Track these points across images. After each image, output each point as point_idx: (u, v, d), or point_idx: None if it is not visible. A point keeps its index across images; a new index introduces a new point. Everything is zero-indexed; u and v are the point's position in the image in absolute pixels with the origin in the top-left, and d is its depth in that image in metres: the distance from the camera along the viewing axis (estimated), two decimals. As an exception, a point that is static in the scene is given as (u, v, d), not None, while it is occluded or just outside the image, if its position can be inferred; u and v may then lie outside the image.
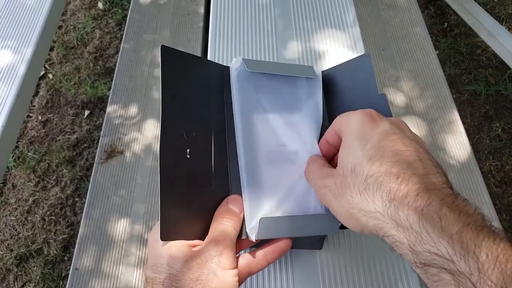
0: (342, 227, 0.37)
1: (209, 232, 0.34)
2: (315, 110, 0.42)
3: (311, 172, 0.35)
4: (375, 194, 0.26)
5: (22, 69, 0.76)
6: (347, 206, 0.28)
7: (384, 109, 0.34)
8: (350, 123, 0.31)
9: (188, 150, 0.34)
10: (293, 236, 0.36)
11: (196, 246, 0.33)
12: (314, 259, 0.50)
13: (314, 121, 0.41)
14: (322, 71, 0.45)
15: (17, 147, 1.58)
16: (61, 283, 1.31)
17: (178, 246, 0.32)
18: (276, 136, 0.39)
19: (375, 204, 0.26)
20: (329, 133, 0.35)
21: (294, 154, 0.39)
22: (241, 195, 0.37)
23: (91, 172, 1.25)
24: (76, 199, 1.45)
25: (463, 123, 1.28)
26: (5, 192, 1.50)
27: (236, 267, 0.33)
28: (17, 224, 1.42)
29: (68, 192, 1.46)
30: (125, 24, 1.62)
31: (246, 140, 0.38)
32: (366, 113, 0.30)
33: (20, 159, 1.55)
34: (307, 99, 0.42)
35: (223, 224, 0.34)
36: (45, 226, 1.41)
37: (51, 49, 1.81)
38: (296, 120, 0.40)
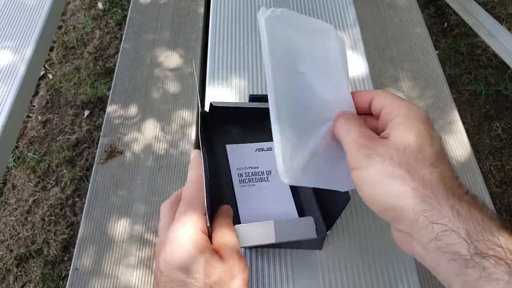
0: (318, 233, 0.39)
1: (222, 241, 0.34)
2: (344, 65, 0.39)
3: (348, 127, 0.31)
4: (437, 184, 0.26)
5: (22, 69, 0.76)
6: (399, 180, 0.27)
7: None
8: (413, 111, 0.30)
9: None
10: (273, 243, 0.38)
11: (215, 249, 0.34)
12: (314, 259, 0.50)
13: (345, 76, 0.38)
14: None
15: (17, 147, 1.57)
16: (61, 283, 1.31)
17: (211, 252, 0.32)
18: (308, 83, 0.36)
19: (434, 191, 0.26)
20: (360, 102, 0.34)
21: (326, 105, 0.36)
22: (232, 205, 0.39)
23: (91, 172, 1.25)
24: (76, 199, 1.45)
25: (463, 123, 1.28)
26: (5, 192, 1.50)
27: None
28: (17, 224, 1.42)
29: (68, 192, 1.46)
30: (125, 24, 1.62)
31: (278, 79, 0.35)
32: (426, 115, 0.31)
33: (20, 159, 1.55)
34: (337, 54, 0.40)
35: (233, 237, 0.35)
36: (45, 226, 1.41)
37: (51, 49, 1.81)
38: (330, 70, 0.38)
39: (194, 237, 0.32)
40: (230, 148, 0.48)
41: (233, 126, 0.46)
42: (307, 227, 0.39)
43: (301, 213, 0.45)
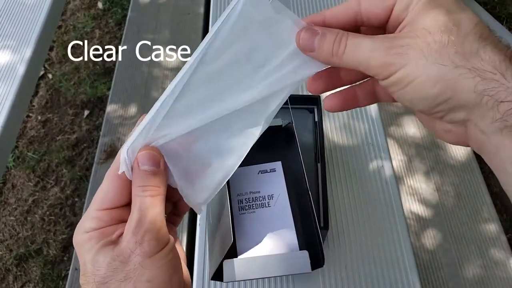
0: (314, 267, 0.39)
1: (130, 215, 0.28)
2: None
3: (354, 41, 0.25)
4: (495, 56, 0.22)
5: (21, 69, 0.75)
6: (447, 65, 0.22)
7: None
8: None
9: None
10: (263, 277, 0.38)
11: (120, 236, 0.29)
12: (314, 259, 0.50)
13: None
14: None
15: (16, 147, 1.57)
16: (61, 283, 1.30)
17: (98, 249, 0.27)
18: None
19: (495, 64, 0.22)
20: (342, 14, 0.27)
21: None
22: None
23: (91, 172, 1.25)
24: (76, 199, 1.45)
25: (463, 123, 1.28)
26: (4, 192, 1.50)
27: (167, 241, 0.28)
28: (16, 224, 1.42)
29: (68, 192, 1.46)
30: (124, 24, 1.62)
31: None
32: None
33: (20, 159, 1.55)
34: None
35: (139, 201, 0.28)
36: (44, 226, 1.40)
37: (51, 49, 1.81)
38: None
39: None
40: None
41: None
42: (301, 262, 0.38)
43: (305, 240, 0.43)
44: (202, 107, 0.28)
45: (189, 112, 0.27)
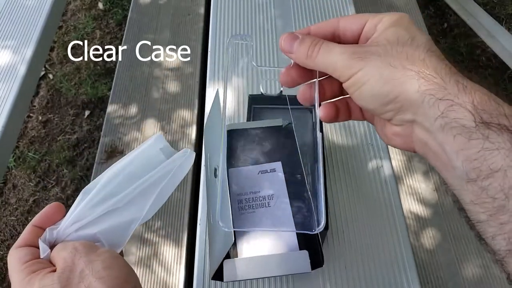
0: (314, 267, 0.40)
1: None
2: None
3: (327, 48, 0.29)
4: (439, 64, 0.26)
5: (22, 69, 0.76)
6: (398, 68, 0.26)
7: None
8: (396, 14, 0.30)
9: None
10: (263, 277, 0.38)
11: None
12: (314, 259, 0.50)
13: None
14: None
15: (17, 147, 1.58)
16: (61, 283, 1.31)
17: (41, 277, 0.30)
18: None
19: (437, 70, 0.26)
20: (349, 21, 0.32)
21: None
22: None
23: (92, 172, 1.25)
24: (76, 199, 1.45)
25: (463, 123, 1.28)
26: (5, 192, 1.50)
27: None
28: (17, 224, 1.43)
29: (69, 192, 1.46)
30: (125, 24, 1.62)
31: None
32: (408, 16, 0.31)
33: (21, 159, 1.55)
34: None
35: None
36: (45, 226, 1.41)
37: (51, 49, 1.82)
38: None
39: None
40: (232, 172, 0.47)
41: (236, 147, 0.44)
42: (301, 262, 0.39)
43: (305, 239, 0.43)
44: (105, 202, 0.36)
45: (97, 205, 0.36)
